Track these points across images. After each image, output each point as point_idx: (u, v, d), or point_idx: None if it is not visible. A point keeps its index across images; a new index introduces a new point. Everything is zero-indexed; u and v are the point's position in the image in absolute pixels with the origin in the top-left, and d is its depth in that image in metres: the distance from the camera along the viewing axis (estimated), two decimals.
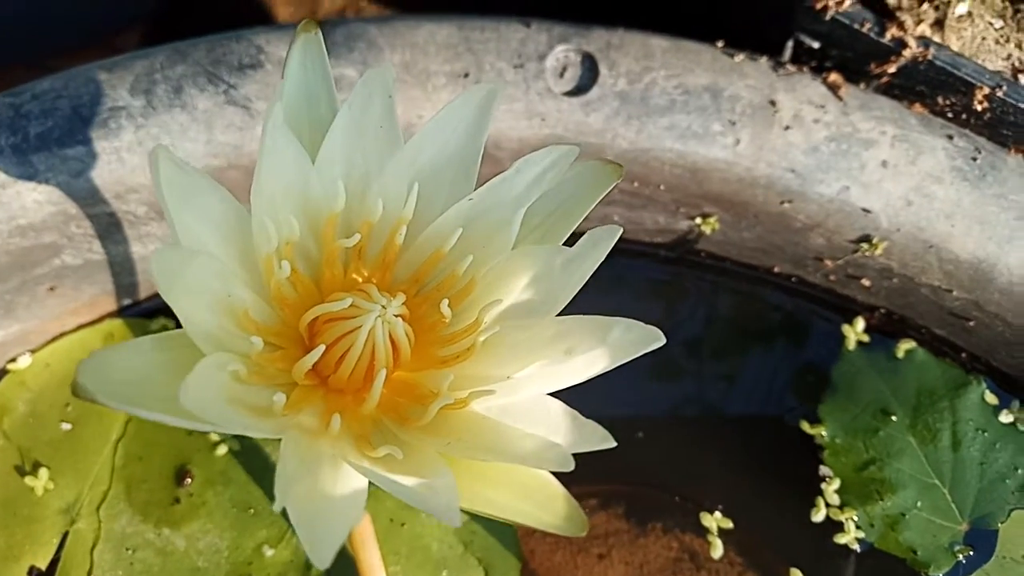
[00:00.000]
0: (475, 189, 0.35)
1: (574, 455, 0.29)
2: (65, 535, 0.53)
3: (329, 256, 0.35)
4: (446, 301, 0.34)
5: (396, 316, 0.33)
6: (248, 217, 0.32)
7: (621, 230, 0.32)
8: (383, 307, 0.33)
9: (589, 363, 0.32)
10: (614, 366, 0.32)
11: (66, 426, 0.55)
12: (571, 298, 0.34)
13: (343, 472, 0.31)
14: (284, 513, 0.55)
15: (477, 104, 0.34)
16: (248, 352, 0.31)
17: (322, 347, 0.32)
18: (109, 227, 0.53)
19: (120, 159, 0.50)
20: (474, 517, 0.55)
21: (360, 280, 0.36)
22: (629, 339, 0.31)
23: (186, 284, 0.29)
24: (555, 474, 0.34)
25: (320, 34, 0.34)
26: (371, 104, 0.33)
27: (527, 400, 0.33)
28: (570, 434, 0.31)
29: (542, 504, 0.34)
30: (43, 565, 0.52)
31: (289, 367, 0.33)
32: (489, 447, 0.32)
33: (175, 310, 0.28)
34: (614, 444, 0.29)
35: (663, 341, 0.31)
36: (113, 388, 0.27)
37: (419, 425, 0.33)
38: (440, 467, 0.30)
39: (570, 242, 0.34)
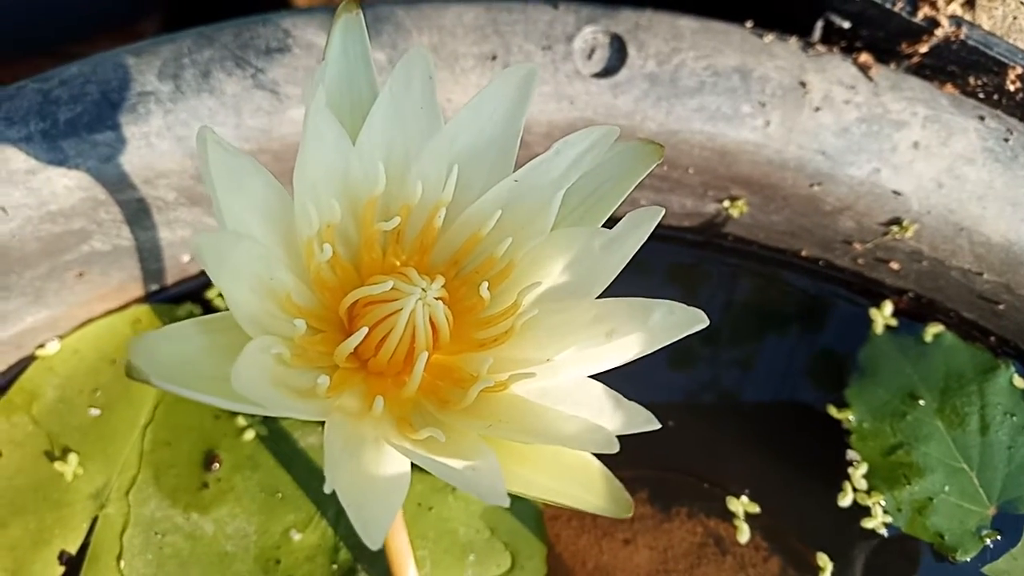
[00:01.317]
0: (512, 171, 0.34)
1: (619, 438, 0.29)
2: (95, 520, 0.53)
3: (368, 240, 0.35)
4: (485, 284, 0.34)
5: (436, 299, 0.33)
6: (289, 201, 0.32)
7: (663, 211, 0.32)
8: (423, 290, 0.33)
9: (630, 345, 0.32)
10: (656, 348, 0.32)
11: (95, 412, 0.56)
12: (611, 280, 0.34)
13: (386, 454, 0.31)
14: (311, 497, 0.55)
15: (516, 85, 0.33)
16: (291, 335, 0.31)
17: (365, 329, 0.32)
18: (138, 213, 0.53)
19: (149, 144, 0.50)
20: None
21: (398, 264, 0.35)
22: (672, 321, 0.31)
23: (232, 268, 0.29)
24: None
25: (361, 14, 0.34)
26: (411, 86, 0.33)
27: (568, 382, 0.33)
28: (614, 416, 0.31)
29: (586, 486, 0.34)
30: (73, 549, 0.53)
31: (330, 350, 0.33)
32: (531, 429, 0.32)
33: (222, 292, 0.28)
34: (658, 426, 0.29)
35: (706, 323, 0.31)
36: (163, 370, 0.27)
37: (460, 408, 0.33)
38: (483, 449, 0.30)
39: (607, 226, 0.34)
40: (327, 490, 0.26)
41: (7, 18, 0.72)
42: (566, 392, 0.33)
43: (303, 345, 0.32)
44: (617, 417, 0.31)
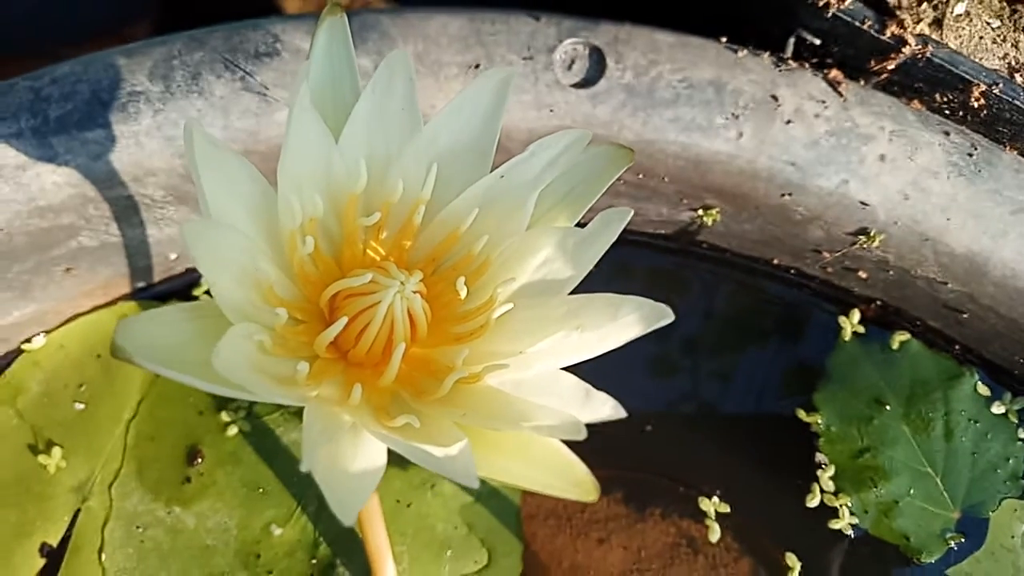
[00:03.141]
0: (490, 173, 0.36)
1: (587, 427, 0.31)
2: (77, 513, 0.54)
3: (350, 235, 0.36)
4: (462, 279, 0.36)
5: (414, 292, 0.34)
6: (273, 196, 0.33)
7: (631, 212, 0.33)
8: (402, 283, 0.34)
9: (600, 339, 0.33)
10: (624, 342, 0.33)
11: (79, 406, 0.56)
12: (583, 277, 0.35)
13: (363, 439, 0.32)
14: (293, 493, 0.56)
15: (493, 89, 0.35)
16: (273, 324, 0.33)
17: (344, 319, 0.34)
18: (126, 210, 0.54)
19: (139, 143, 0.51)
20: (478, 499, 0.56)
21: (378, 259, 0.37)
22: (639, 316, 0.33)
23: (218, 257, 0.30)
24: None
25: (345, 18, 0.36)
26: (393, 87, 0.35)
27: (540, 374, 0.35)
28: (582, 405, 0.32)
29: (555, 472, 0.35)
30: (54, 542, 0.53)
31: (311, 341, 0.35)
32: (502, 417, 0.33)
33: (207, 279, 0.30)
34: (624, 414, 0.31)
35: (672, 318, 0.32)
36: (148, 351, 0.28)
37: (435, 398, 0.34)
38: (456, 434, 0.32)
39: (580, 226, 0.35)
40: (303, 470, 0.27)
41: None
42: (539, 383, 0.34)
43: (284, 335, 0.34)
44: (585, 406, 0.32)
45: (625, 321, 0.33)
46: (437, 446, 0.30)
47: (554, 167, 0.35)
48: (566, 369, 0.35)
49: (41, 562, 0.53)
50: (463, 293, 0.36)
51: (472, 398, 0.34)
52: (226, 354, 0.27)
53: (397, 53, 0.34)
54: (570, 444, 0.36)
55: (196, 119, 0.36)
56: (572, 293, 0.36)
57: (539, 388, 0.34)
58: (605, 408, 0.31)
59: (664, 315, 0.32)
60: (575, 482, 0.35)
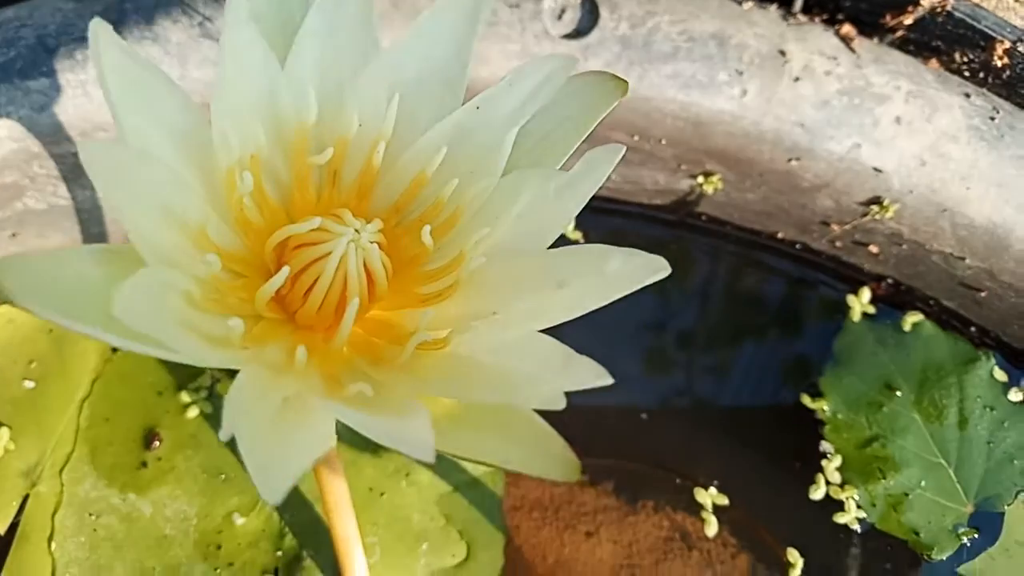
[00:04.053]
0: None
1: (566, 394, 0.26)
2: (25, 498, 0.51)
3: (299, 176, 0.32)
4: (427, 228, 0.31)
5: (371, 243, 0.30)
6: (208, 128, 0.29)
7: (624, 149, 0.29)
8: (356, 231, 0.30)
9: (584, 296, 0.29)
10: (612, 299, 0.29)
11: (29, 384, 0.53)
12: (565, 227, 0.31)
13: (309, 409, 0.28)
14: None
15: (465, 7, 0.31)
16: (204, 275, 0.28)
17: (286, 269, 0.29)
18: (75, 169, 0.50)
19: (86, 93, 0.47)
20: (457, 489, 0.53)
21: (334, 207, 0.32)
22: (630, 269, 0.28)
23: (133, 189, 0.26)
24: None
25: None
26: (346, 1, 0.30)
27: (515, 337, 0.30)
28: (561, 370, 0.28)
29: (533, 447, 0.31)
30: (1, 529, 0.50)
31: (251, 297, 0.30)
32: (471, 387, 0.29)
33: (119, 215, 0.25)
34: (610, 381, 0.27)
35: (668, 271, 0.28)
36: (42, 295, 0.24)
37: (395, 365, 0.30)
38: (414, 404, 0.27)
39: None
40: (222, 438, 0.23)
41: None
42: (513, 347, 0.30)
43: (221, 288, 0.29)
44: (566, 372, 0.28)
45: (614, 275, 0.28)
46: (392, 415, 0.26)
47: (535, 100, 0.31)
48: (545, 332, 0.31)
49: None
50: (429, 244, 0.31)
51: (437, 365, 0.30)
52: (132, 298, 0.23)
53: None
54: (554, 424, 0.32)
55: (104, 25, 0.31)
56: (552, 247, 0.31)
57: (514, 352, 0.30)
58: (588, 374, 0.27)
59: (659, 267, 0.28)
60: (554, 458, 0.30)
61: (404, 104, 0.32)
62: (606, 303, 0.29)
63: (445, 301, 0.32)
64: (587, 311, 0.29)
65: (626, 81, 0.32)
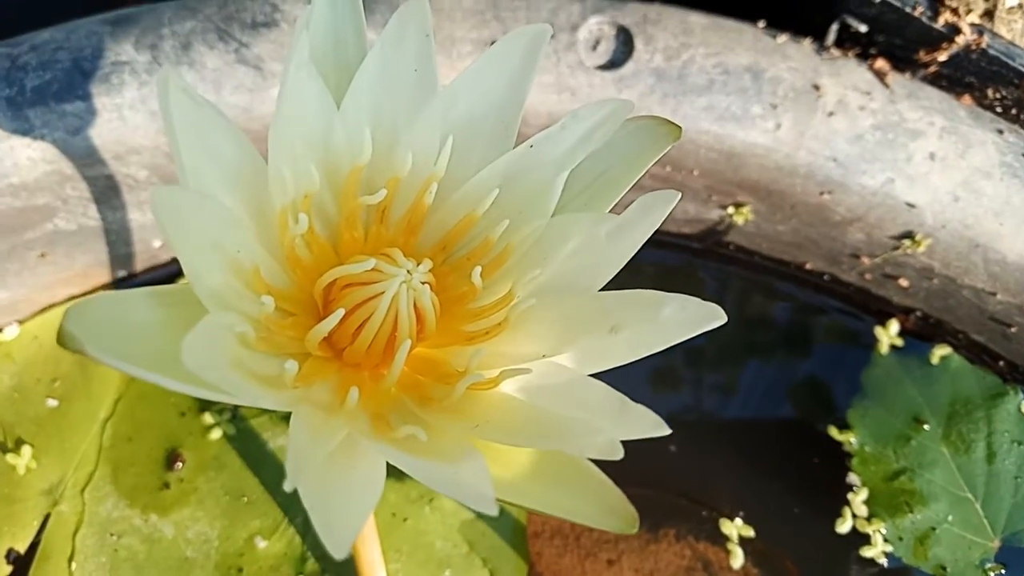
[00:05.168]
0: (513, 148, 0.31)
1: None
2: (47, 517, 0.51)
3: (349, 215, 0.32)
4: (478, 269, 0.31)
5: (423, 283, 0.30)
6: (262, 167, 0.29)
7: (679, 196, 0.29)
8: (408, 272, 0.30)
9: (638, 341, 0.29)
10: (666, 346, 0.28)
11: (52, 402, 0.53)
12: (616, 272, 0.31)
13: (360, 453, 0.27)
14: (279, 503, 0.52)
15: (522, 48, 0.30)
16: (257, 315, 0.28)
17: (341, 311, 0.29)
18: (106, 191, 0.50)
19: (121, 117, 0.47)
20: (480, 516, 0.53)
21: (382, 245, 0.32)
22: (685, 317, 0.28)
23: (194, 232, 0.26)
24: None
25: None
26: (404, 43, 0.30)
27: (566, 381, 0.30)
28: (617, 419, 0.28)
29: (585, 497, 0.30)
30: (22, 548, 0.50)
31: (301, 336, 0.30)
32: (523, 431, 0.29)
33: (179, 258, 0.25)
34: (668, 431, 0.26)
35: (724, 319, 0.28)
36: (105, 341, 0.24)
37: (444, 406, 0.30)
38: (469, 450, 0.27)
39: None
40: (287, 488, 0.22)
41: None
42: (564, 391, 0.30)
43: (271, 327, 0.29)
44: (621, 420, 0.28)
45: (668, 321, 0.28)
46: (446, 462, 0.26)
47: (587, 143, 0.31)
48: (595, 376, 0.30)
49: (7, 569, 0.49)
50: (479, 284, 0.31)
51: (487, 407, 0.30)
52: (199, 347, 0.23)
53: (412, 3, 0.29)
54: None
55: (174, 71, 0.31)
56: (603, 290, 0.31)
57: (565, 396, 0.29)
58: (644, 423, 0.27)
59: (714, 316, 0.28)
60: (610, 509, 0.30)
61: (457, 144, 0.31)
62: (659, 350, 0.28)
63: (494, 340, 0.31)
64: (639, 357, 0.29)
65: (679, 127, 0.31)
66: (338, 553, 0.22)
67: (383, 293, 0.30)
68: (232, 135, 0.28)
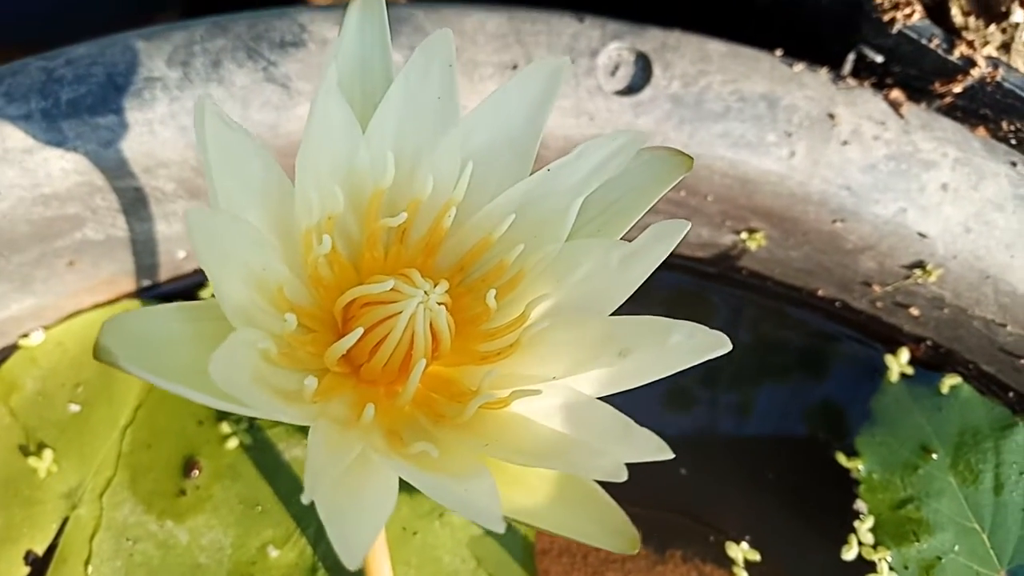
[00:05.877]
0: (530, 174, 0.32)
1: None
2: (65, 520, 0.51)
3: (370, 237, 0.33)
4: (492, 291, 0.32)
5: (439, 304, 0.31)
6: (289, 187, 0.30)
7: (688, 225, 0.30)
8: (426, 293, 0.31)
9: (645, 367, 0.29)
10: (673, 371, 0.29)
11: (74, 408, 0.54)
12: (626, 298, 0.31)
13: (373, 467, 0.28)
14: (292, 513, 0.53)
15: (542, 81, 0.32)
16: (280, 331, 0.29)
17: (360, 330, 0.30)
18: (135, 203, 0.51)
19: (152, 131, 0.48)
20: (488, 532, 0.54)
21: (400, 265, 0.33)
22: (691, 344, 0.29)
23: (223, 251, 0.27)
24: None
25: None
26: (429, 73, 0.31)
27: (575, 403, 0.31)
28: (622, 441, 0.28)
29: (589, 517, 0.31)
30: (40, 550, 0.50)
31: (320, 352, 0.31)
32: (531, 451, 0.29)
33: (209, 276, 0.26)
34: (672, 455, 0.27)
35: (729, 347, 0.28)
36: (137, 354, 0.25)
37: (456, 423, 0.31)
38: (478, 467, 0.28)
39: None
40: (305, 500, 0.23)
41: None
42: (572, 413, 0.30)
43: (292, 344, 0.30)
44: (626, 443, 0.28)
45: (675, 348, 0.29)
46: (456, 478, 0.27)
47: (602, 172, 0.32)
48: (604, 399, 0.31)
49: (25, 570, 0.50)
50: (493, 307, 0.32)
51: (497, 426, 0.31)
52: (225, 363, 0.24)
53: (438, 35, 0.31)
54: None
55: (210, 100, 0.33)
56: (614, 314, 0.32)
57: (573, 419, 0.30)
58: (649, 446, 0.27)
59: (720, 344, 0.29)
60: (614, 530, 0.31)
61: (476, 170, 0.32)
62: (666, 375, 0.29)
63: (506, 361, 0.32)
64: (646, 382, 0.30)
65: (691, 158, 0.32)
66: (351, 564, 0.23)
67: (401, 313, 0.30)
68: (261, 158, 0.29)
